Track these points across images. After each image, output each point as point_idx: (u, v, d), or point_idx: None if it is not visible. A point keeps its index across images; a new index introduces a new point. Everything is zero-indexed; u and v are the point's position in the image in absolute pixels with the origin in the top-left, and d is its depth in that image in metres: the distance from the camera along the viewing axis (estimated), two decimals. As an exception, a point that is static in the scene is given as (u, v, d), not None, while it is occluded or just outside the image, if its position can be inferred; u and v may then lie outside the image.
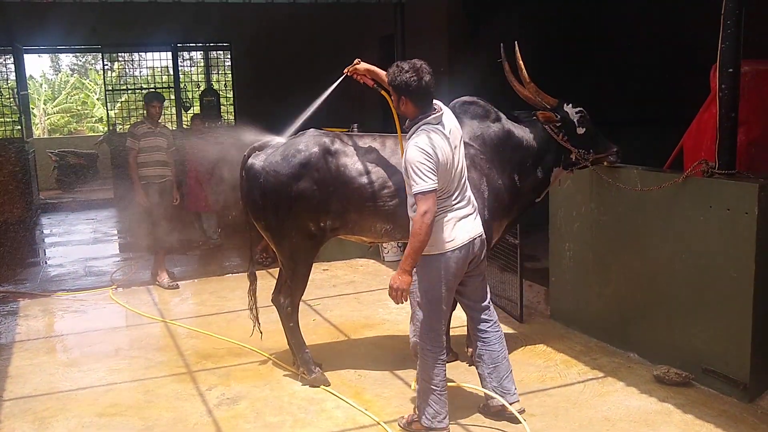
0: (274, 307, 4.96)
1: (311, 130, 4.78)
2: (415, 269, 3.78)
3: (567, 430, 4.05)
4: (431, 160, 3.61)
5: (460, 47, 9.62)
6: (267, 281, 5.88)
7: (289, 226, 4.61)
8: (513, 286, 6.06)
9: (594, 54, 9.49)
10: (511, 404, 4.04)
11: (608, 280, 5.24)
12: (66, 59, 30.96)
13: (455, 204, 3.83)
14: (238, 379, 4.94)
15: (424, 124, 3.75)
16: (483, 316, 4.17)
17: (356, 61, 4.59)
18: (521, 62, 4.72)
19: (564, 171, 4.92)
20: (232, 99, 13.92)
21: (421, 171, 3.59)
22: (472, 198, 3.99)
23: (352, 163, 4.62)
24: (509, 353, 5.10)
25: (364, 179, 4.57)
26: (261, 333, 5.07)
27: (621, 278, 5.13)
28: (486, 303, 4.18)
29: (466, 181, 3.93)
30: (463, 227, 3.85)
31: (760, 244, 4.13)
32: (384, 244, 7.78)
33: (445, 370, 3.99)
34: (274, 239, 4.74)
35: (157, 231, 7.47)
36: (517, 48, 4.71)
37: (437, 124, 3.76)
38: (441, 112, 3.82)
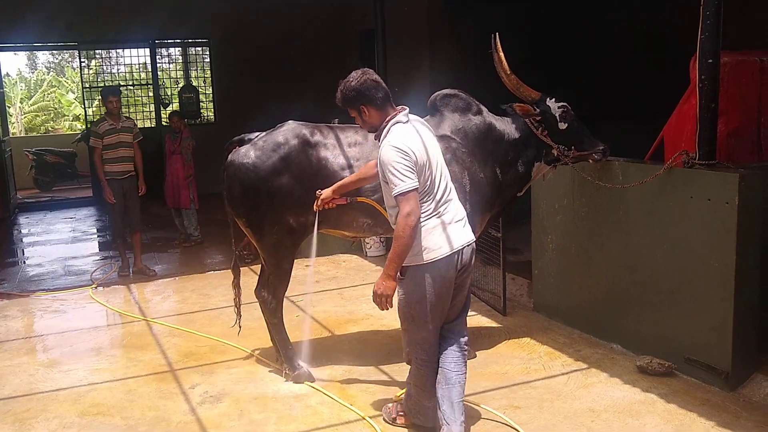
0: (256, 304, 4.92)
1: (290, 121, 4.70)
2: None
3: (551, 422, 4.05)
4: (408, 158, 3.42)
5: (441, 41, 9.63)
6: (249, 278, 5.84)
7: (270, 221, 4.54)
8: (496, 279, 6.06)
9: (575, 46, 9.53)
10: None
11: (591, 272, 5.26)
12: (42, 57, 30.58)
13: (440, 208, 3.58)
14: (221, 376, 4.89)
15: (393, 124, 3.59)
16: (452, 334, 3.78)
17: (317, 193, 4.22)
18: (501, 54, 4.68)
19: (547, 166, 4.85)
20: (211, 95, 13.82)
21: (398, 171, 3.41)
22: (459, 203, 3.74)
23: (333, 156, 4.56)
24: (493, 346, 5.16)
25: (346, 173, 4.49)
26: (240, 327, 5.01)
27: (603, 270, 5.14)
28: (461, 320, 3.83)
29: (450, 184, 3.70)
30: (451, 234, 3.58)
31: (740, 233, 4.16)
32: (367, 240, 7.75)
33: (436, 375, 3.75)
34: (255, 235, 4.69)
35: (129, 222, 7.67)
36: (497, 40, 4.67)
37: (407, 122, 3.61)
38: (407, 110, 3.68)
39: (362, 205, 4.49)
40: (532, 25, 9.29)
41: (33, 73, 29.38)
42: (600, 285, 5.18)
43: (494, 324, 5.65)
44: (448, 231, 3.57)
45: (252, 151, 4.55)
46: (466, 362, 3.78)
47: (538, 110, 4.67)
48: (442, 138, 4.66)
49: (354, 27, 11.47)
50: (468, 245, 3.65)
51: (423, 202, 3.51)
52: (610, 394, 4.35)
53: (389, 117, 3.61)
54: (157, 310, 6.62)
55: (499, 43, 4.68)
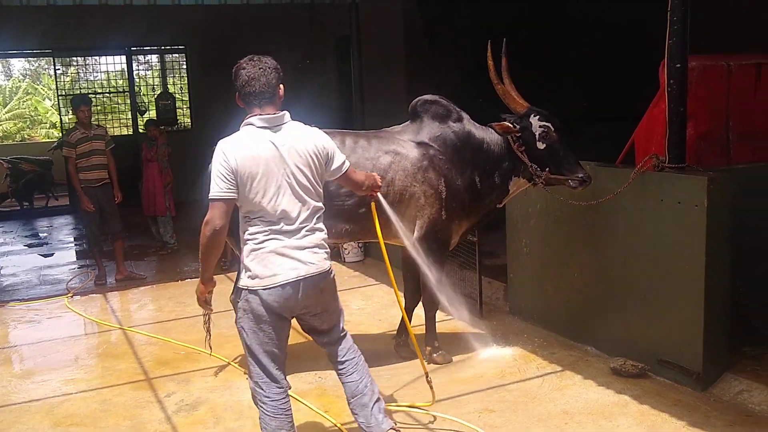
0: (232, 312, 4.90)
1: None
2: None
3: (526, 425, 4.08)
4: (225, 166, 3.17)
5: (417, 47, 9.68)
6: (226, 286, 5.82)
7: None
8: (472, 283, 6.11)
9: (549, 51, 9.61)
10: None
11: (565, 275, 5.30)
12: (18, 64, 30.25)
13: (276, 229, 3.25)
14: (197, 384, 4.88)
15: (245, 125, 3.31)
16: (336, 347, 3.60)
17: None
18: (491, 62, 4.67)
19: (527, 182, 4.79)
20: (188, 102, 13.76)
21: (215, 175, 3.19)
22: (320, 232, 3.39)
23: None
24: (469, 350, 5.18)
25: None
26: (211, 348, 4.70)
27: (577, 272, 5.19)
28: (338, 332, 3.60)
29: (307, 209, 3.33)
30: (282, 263, 3.24)
31: (710, 235, 4.21)
32: (344, 245, 7.76)
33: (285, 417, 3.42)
34: (236, 242, 4.67)
35: (109, 230, 7.67)
36: (488, 48, 4.67)
37: (262, 127, 3.26)
38: (276, 115, 3.30)
39: (340, 211, 4.54)
40: (506, 31, 9.34)
41: (8, 80, 29.09)
42: (574, 288, 5.23)
43: (470, 328, 5.67)
44: (279, 260, 3.24)
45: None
46: (361, 368, 3.59)
47: (518, 127, 4.63)
48: (420, 144, 4.73)
49: (330, 32, 11.50)
50: (310, 276, 3.29)
51: (251, 223, 3.27)
52: (584, 396, 4.39)
53: (248, 116, 3.33)
54: (133, 318, 6.58)
55: (489, 51, 4.66)
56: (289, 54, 12.31)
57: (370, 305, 6.52)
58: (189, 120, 13.83)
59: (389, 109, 9.56)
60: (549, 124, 4.57)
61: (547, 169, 4.58)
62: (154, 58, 16.89)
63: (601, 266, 4.96)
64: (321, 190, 3.43)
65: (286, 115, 3.36)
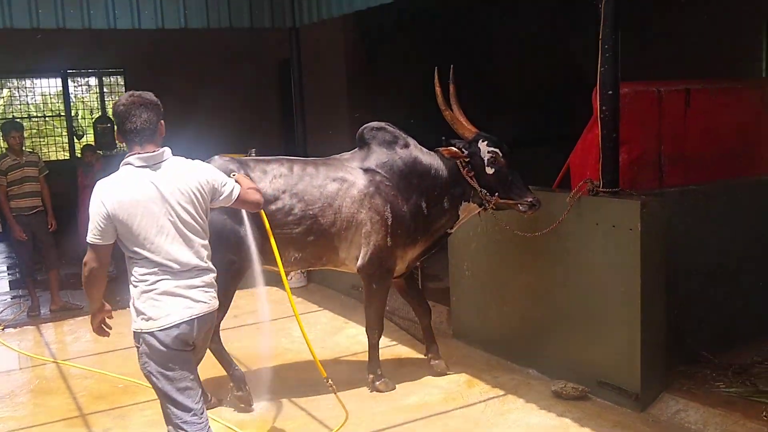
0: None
1: (216, 157, 4.67)
2: None
3: (469, 452, 4.08)
4: (99, 210, 3.11)
5: (359, 71, 9.71)
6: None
7: None
8: (416, 307, 6.09)
9: (489, 76, 9.77)
10: None
11: (506, 298, 5.34)
12: (-50, 86, 29.35)
13: (166, 269, 3.19)
14: (134, 419, 4.75)
15: (123, 164, 3.22)
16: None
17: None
18: (438, 89, 4.66)
19: (478, 207, 4.80)
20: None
21: (91, 218, 3.14)
22: (209, 269, 3.33)
23: (261, 189, 4.53)
24: (413, 377, 5.16)
25: (273, 207, 4.54)
26: None
27: (518, 295, 5.23)
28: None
29: (200, 245, 3.29)
30: (175, 303, 3.18)
31: (644, 258, 4.30)
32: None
33: None
34: None
35: (44, 259, 7.51)
36: (435, 75, 4.66)
37: (141, 166, 3.18)
38: (155, 153, 3.21)
39: (290, 239, 4.56)
40: (446, 55, 9.48)
41: (-61, 103, 28.16)
42: (515, 311, 5.27)
43: (415, 353, 5.67)
44: (169, 301, 3.19)
45: None
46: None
47: (466, 152, 4.63)
48: (367, 171, 4.77)
49: (273, 55, 11.45)
50: (198, 317, 3.24)
51: (138, 264, 3.20)
52: (526, 421, 4.41)
53: (128, 154, 3.24)
54: (68, 351, 6.38)
55: (436, 78, 4.67)
56: (230, 76, 12.26)
57: (313, 332, 6.45)
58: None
59: (331, 134, 9.61)
60: (497, 150, 4.59)
61: (497, 194, 4.59)
62: (92, 81, 16.57)
63: (541, 289, 5.02)
64: (207, 226, 3.37)
65: (167, 151, 3.28)
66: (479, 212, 4.88)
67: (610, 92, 4.51)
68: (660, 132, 5.33)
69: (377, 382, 4.96)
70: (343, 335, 6.33)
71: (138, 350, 3.25)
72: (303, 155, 6.82)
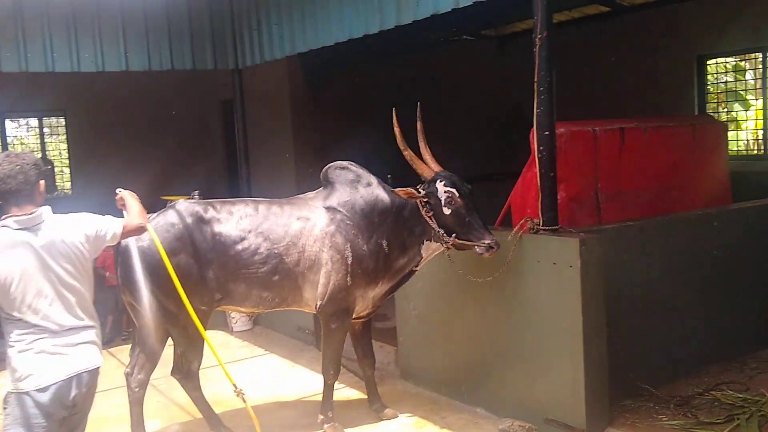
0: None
1: (180, 201, 4.71)
2: None
3: (417, 496, 4.03)
4: None
5: (303, 110, 9.74)
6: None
7: (175, 303, 4.37)
8: (363, 348, 6.05)
9: (433, 114, 9.90)
10: None
11: (452, 338, 5.36)
12: None
13: (44, 329, 3.11)
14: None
15: (1, 226, 3.13)
16: None
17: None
18: (397, 129, 4.67)
19: (441, 246, 4.73)
20: (68, 167, 13.24)
21: None
22: (90, 326, 3.26)
23: (226, 230, 4.60)
24: (360, 420, 5.11)
25: (239, 246, 4.57)
26: None
27: (464, 334, 5.25)
28: None
29: (82, 303, 3.23)
30: (53, 361, 3.10)
31: (584, 294, 4.37)
32: (232, 314, 7.57)
33: None
34: (164, 318, 4.57)
35: None
36: (395, 114, 4.66)
37: (19, 229, 3.10)
38: (33, 215, 3.13)
39: (255, 279, 4.57)
40: (388, 94, 9.63)
41: None
42: (461, 350, 5.28)
43: (361, 395, 5.61)
44: (45, 359, 3.10)
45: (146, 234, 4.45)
46: None
47: (423, 193, 4.62)
48: (329, 210, 4.78)
49: (217, 95, 11.42)
50: (77, 374, 3.16)
51: (15, 325, 3.11)
52: (474, 461, 4.40)
53: (5, 216, 3.14)
54: None
55: (395, 117, 4.67)
56: (174, 117, 12.17)
57: (260, 376, 6.35)
58: (69, 186, 13.30)
59: (276, 173, 9.58)
60: (454, 190, 4.54)
61: (454, 234, 4.55)
62: (33, 122, 16.24)
63: (487, 327, 5.04)
64: (90, 281, 3.31)
65: (45, 212, 3.22)
66: (445, 251, 4.80)
67: (547, 132, 4.60)
68: (596, 170, 5.47)
69: (326, 425, 4.90)
70: (289, 379, 6.24)
71: (5, 415, 3.10)
72: (248, 197, 6.79)
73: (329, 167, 4.94)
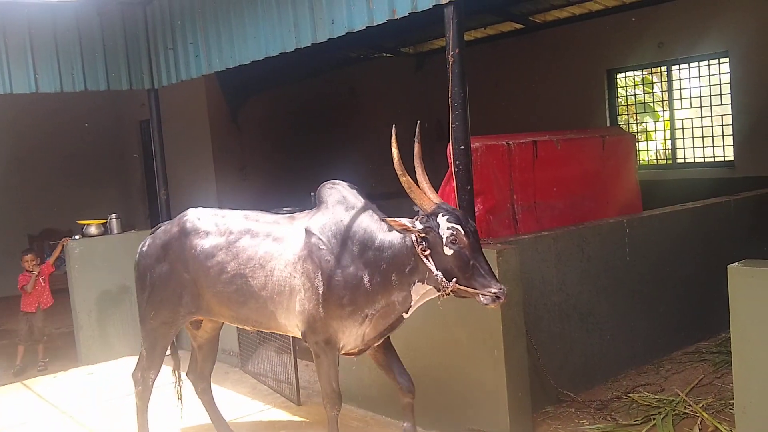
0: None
1: (190, 209, 4.66)
2: None
3: None
4: None
5: (222, 130, 9.65)
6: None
7: (152, 306, 4.59)
8: (288, 367, 5.97)
9: (351, 129, 9.97)
10: None
11: (377, 353, 5.35)
12: None
13: None
14: None
15: None
16: None
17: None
18: (395, 151, 3.88)
19: (436, 291, 3.88)
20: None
21: None
22: None
23: (202, 244, 4.42)
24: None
25: (208, 263, 4.39)
26: None
27: (388, 349, 5.26)
28: None
29: None
30: None
31: (504, 304, 4.43)
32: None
33: None
34: (140, 317, 4.73)
35: None
36: (393, 135, 3.85)
37: None
38: None
39: (226, 296, 4.39)
40: (307, 111, 9.66)
41: None
42: (386, 365, 5.28)
43: (288, 416, 5.55)
44: None
45: (149, 238, 4.71)
46: None
47: (420, 227, 3.83)
48: (307, 232, 4.23)
49: (134, 116, 11.20)
50: None
51: None
52: (401, 477, 4.39)
53: None
54: None
55: (394, 138, 3.88)
56: (88, 139, 11.86)
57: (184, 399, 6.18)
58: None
59: (196, 193, 9.43)
60: (459, 227, 3.75)
61: (454, 279, 3.77)
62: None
63: (410, 341, 5.06)
64: None
65: None
66: (439, 297, 3.93)
67: (462, 147, 4.68)
68: (512, 183, 5.60)
69: None
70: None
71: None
72: (167, 219, 6.68)
73: (323, 185, 4.38)
